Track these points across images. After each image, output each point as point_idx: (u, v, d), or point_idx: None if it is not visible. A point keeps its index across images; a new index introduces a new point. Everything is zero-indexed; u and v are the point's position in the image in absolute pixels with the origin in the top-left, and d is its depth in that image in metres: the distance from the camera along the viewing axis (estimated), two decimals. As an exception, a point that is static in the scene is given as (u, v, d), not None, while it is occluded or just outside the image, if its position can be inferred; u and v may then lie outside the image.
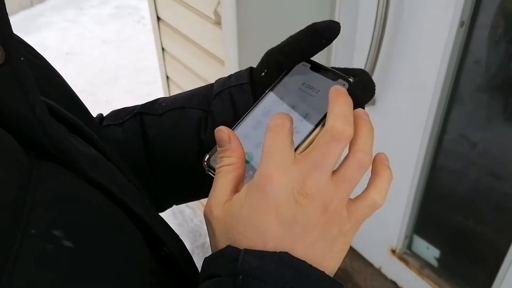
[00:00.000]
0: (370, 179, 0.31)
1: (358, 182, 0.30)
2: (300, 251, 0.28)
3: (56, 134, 0.26)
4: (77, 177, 0.27)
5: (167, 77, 1.57)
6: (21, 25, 3.63)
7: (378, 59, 1.08)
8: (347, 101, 0.30)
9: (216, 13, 1.11)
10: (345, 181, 0.29)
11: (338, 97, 0.30)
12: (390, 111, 1.23)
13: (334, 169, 0.29)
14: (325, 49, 0.40)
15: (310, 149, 0.29)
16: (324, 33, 0.37)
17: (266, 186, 0.28)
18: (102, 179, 0.28)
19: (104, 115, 0.49)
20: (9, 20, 0.25)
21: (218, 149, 0.33)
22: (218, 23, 1.12)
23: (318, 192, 0.28)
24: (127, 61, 3.24)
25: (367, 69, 1.09)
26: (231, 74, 0.45)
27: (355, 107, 0.31)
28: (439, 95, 1.11)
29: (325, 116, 0.34)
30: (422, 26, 1.04)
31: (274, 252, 0.28)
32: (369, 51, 1.07)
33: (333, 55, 1.24)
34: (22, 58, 0.26)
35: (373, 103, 1.21)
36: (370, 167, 0.31)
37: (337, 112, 0.29)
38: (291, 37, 0.39)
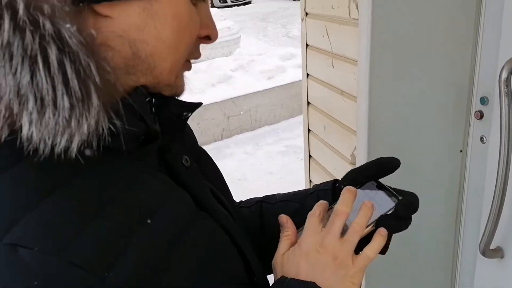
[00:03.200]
0: (370, 242, 0.50)
1: (356, 242, 0.49)
2: (321, 283, 0.47)
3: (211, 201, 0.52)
4: (218, 225, 0.50)
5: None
6: (211, 153, 4.47)
7: (503, 210, 1.14)
8: (351, 193, 0.51)
9: (352, 155, 1.35)
10: (347, 241, 0.49)
11: (345, 192, 0.52)
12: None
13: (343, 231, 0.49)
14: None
15: (328, 222, 0.50)
16: (387, 164, 0.58)
17: (302, 244, 0.50)
18: (228, 227, 0.51)
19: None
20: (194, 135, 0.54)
21: (281, 227, 0.55)
22: (353, 163, 1.35)
23: (330, 247, 0.49)
24: (288, 190, 3.63)
25: (492, 216, 1.14)
26: (322, 182, 0.66)
27: (394, 219, 0.52)
28: None
29: (376, 219, 0.53)
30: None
31: (307, 281, 0.47)
32: (493, 200, 1.14)
33: (465, 203, 1.32)
34: (195, 164, 0.52)
35: (501, 256, 1.21)
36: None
37: (342, 200, 0.51)
38: (365, 164, 0.60)
